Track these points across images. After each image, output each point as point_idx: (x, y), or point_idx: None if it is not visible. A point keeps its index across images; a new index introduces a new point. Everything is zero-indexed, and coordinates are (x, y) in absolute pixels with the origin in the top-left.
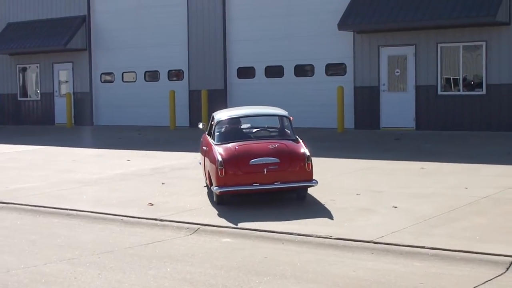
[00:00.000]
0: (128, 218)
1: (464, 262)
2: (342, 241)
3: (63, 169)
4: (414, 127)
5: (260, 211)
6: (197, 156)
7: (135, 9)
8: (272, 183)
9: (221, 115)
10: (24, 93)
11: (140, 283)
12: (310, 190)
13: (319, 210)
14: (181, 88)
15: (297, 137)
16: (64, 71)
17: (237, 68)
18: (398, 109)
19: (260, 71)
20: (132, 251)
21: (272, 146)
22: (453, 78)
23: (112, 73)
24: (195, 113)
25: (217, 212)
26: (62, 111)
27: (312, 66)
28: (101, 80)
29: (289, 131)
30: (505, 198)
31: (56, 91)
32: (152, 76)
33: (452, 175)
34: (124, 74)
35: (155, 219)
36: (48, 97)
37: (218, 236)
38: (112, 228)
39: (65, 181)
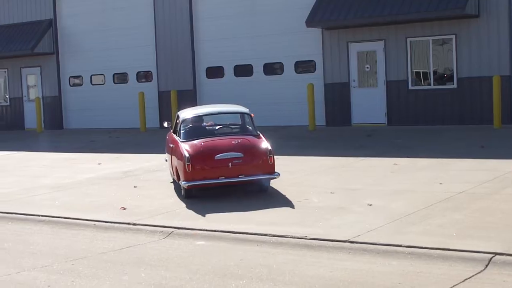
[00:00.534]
0: (101, 223)
1: (442, 260)
2: (318, 241)
3: (34, 175)
4: (386, 123)
5: (230, 207)
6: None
7: (101, 12)
8: (237, 176)
9: (186, 113)
10: None
11: None
12: (283, 189)
13: (293, 210)
14: (151, 89)
15: (258, 132)
16: (32, 76)
17: (206, 68)
18: (369, 105)
19: (229, 70)
20: (106, 257)
21: (236, 141)
22: (423, 72)
23: (80, 76)
24: (165, 114)
25: (190, 214)
26: (32, 115)
27: (281, 64)
28: (70, 84)
29: (250, 127)
30: (480, 192)
31: (25, 96)
32: (121, 78)
33: (425, 170)
34: (93, 77)
35: (128, 223)
36: (17, 102)
37: (192, 239)
38: (85, 234)
39: (37, 187)
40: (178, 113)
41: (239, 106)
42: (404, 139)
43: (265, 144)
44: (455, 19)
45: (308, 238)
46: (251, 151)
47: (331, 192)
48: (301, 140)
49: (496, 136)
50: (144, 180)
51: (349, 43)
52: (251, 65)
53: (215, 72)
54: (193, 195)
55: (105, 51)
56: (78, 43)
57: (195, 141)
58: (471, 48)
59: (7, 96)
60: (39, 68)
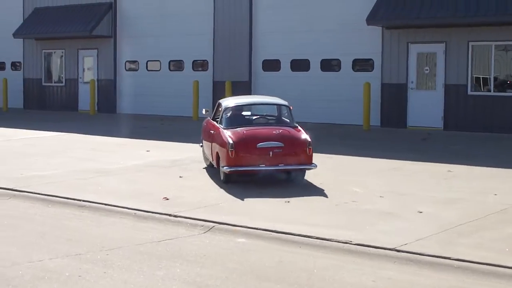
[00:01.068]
0: (142, 212)
1: (494, 277)
2: (362, 247)
3: (81, 158)
4: (442, 127)
5: (274, 205)
6: None
7: None
8: (277, 165)
9: (228, 102)
10: (49, 78)
11: (146, 285)
12: (332, 189)
13: (339, 212)
14: (205, 78)
15: (296, 124)
16: (89, 58)
17: (262, 60)
18: (426, 107)
19: (285, 64)
20: (142, 249)
21: (276, 131)
22: (483, 78)
23: (136, 61)
24: None
25: (233, 209)
26: (85, 97)
27: (338, 60)
28: (125, 68)
29: (289, 119)
30: None
31: (80, 78)
32: (176, 65)
33: (481, 179)
34: (149, 62)
35: (169, 215)
36: (72, 83)
37: (233, 236)
38: (124, 222)
39: (82, 170)
40: (220, 101)
41: (278, 98)
42: (461, 145)
43: (304, 135)
44: None
45: (353, 243)
46: (291, 141)
47: (380, 196)
48: (355, 140)
49: None
50: (191, 170)
51: (409, 43)
52: (308, 60)
53: (271, 65)
54: (232, 180)
55: (162, 37)
56: (136, 27)
57: (238, 129)
58: None
59: (62, 77)
60: (96, 50)
